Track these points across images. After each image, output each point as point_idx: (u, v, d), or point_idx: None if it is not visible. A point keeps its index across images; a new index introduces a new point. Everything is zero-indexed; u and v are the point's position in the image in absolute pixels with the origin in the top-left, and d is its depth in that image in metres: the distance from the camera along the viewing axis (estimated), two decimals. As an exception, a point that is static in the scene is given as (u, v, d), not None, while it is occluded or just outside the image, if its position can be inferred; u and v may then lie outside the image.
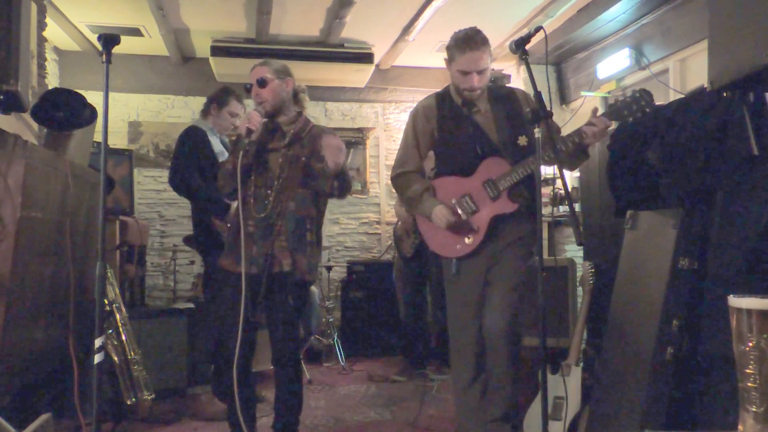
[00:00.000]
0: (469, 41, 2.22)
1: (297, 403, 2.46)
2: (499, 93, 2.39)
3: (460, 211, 2.32)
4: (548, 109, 1.91)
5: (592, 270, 2.74)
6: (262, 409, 3.02)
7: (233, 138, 2.57)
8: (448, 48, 2.32)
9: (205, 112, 3.36)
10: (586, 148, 2.19)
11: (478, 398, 2.35)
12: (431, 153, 2.51)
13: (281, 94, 2.42)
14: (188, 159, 3.15)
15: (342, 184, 2.45)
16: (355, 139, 5.85)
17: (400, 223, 4.26)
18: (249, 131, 2.30)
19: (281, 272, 2.35)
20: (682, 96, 2.37)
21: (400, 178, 2.47)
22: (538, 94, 1.87)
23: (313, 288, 4.78)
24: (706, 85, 1.96)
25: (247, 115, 2.36)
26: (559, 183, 3.64)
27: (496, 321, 2.28)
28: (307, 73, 5.27)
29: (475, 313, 2.35)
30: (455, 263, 2.35)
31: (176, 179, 3.18)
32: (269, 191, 2.36)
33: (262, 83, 2.38)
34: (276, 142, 2.42)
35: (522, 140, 2.26)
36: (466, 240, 2.33)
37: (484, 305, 2.34)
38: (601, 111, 2.15)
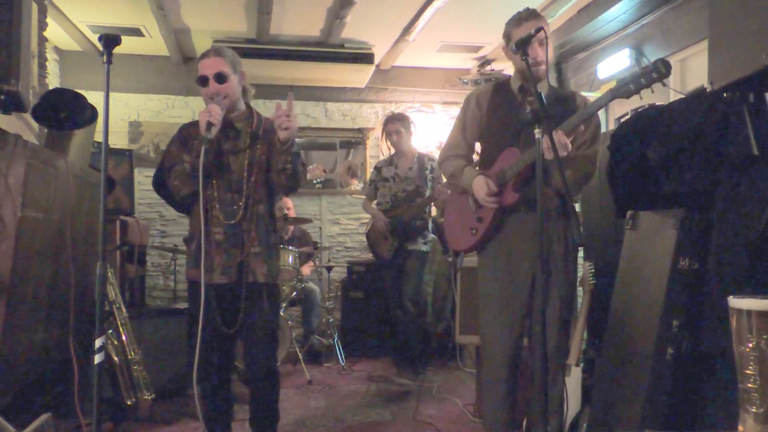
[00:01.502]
0: (523, 15, 2.18)
1: (274, 418, 2.40)
2: (559, 92, 2.31)
3: (471, 203, 2.28)
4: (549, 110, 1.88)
5: (593, 270, 2.73)
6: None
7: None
8: (505, 33, 2.24)
9: None
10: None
11: (510, 412, 2.24)
12: None
13: (238, 90, 2.27)
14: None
15: (293, 172, 2.22)
16: (356, 139, 5.86)
17: (373, 225, 4.14)
18: (210, 125, 2.10)
19: (256, 282, 2.26)
20: (683, 96, 2.36)
21: (444, 162, 2.40)
22: (538, 94, 1.87)
23: (314, 287, 4.78)
24: (706, 86, 1.96)
25: (207, 108, 2.15)
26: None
27: (552, 341, 2.12)
28: (307, 73, 5.29)
29: (516, 327, 2.21)
30: (461, 257, 2.28)
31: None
32: (237, 196, 2.24)
33: (221, 79, 2.20)
34: (232, 142, 2.28)
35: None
36: (472, 232, 2.26)
37: (533, 319, 2.19)
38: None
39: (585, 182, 2.34)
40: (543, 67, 2.13)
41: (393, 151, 4.13)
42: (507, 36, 2.24)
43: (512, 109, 2.26)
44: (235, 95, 2.27)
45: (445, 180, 2.48)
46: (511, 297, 2.21)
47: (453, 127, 2.44)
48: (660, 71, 1.77)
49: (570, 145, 2.02)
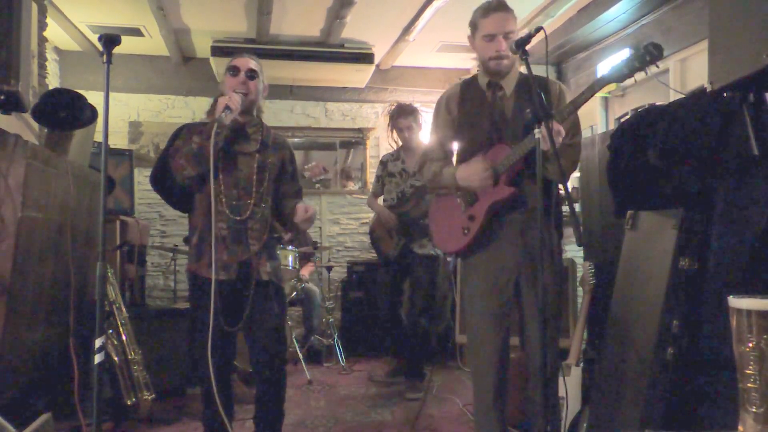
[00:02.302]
0: (492, 5, 2.15)
1: (279, 417, 2.40)
2: (530, 79, 2.19)
3: (459, 202, 2.24)
4: (549, 108, 1.88)
5: (593, 270, 2.74)
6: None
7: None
8: (471, 21, 2.21)
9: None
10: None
11: (501, 415, 2.21)
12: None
13: (259, 94, 2.34)
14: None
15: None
16: (356, 139, 5.86)
17: (377, 222, 3.94)
18: (227, 108, 2.15)
19: (260, 281, 2.26)
20: (683, 96, 2.37)
21: (423, 168, 2.37)
22: (538, 94, 1.86)
23: (314, 288, 4.78)
24: (706, 85, 1.96)
25: (228, 94, 2.23)
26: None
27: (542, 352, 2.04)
28: (307, 73, 5.29)
29: (501, 326, 2.18)
30: (453, 259, 2.24)
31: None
32: (243, 193, 2.25)
33: (252, 76, 2.29)
34: (242, 144, 2.31)
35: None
36: (464, 231, 2.20)
37: (525, 327, 2.18)
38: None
39: (573, 170, 2.33)
40: (506, 62, 2.15)
41: (400, 144, 3.93)
42: (473, 25, 2.20)
43: (483, 107, 2.22)
44: (256, 97, 2.32)
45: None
46: (497, 297, 2.18)
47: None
48: (652, 53, 1.78)
49: (563, 132, 1.98)
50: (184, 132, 2.30)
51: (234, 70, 2.29)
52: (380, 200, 4.00)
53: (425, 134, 3.97)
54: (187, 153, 2.18)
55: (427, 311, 3.79)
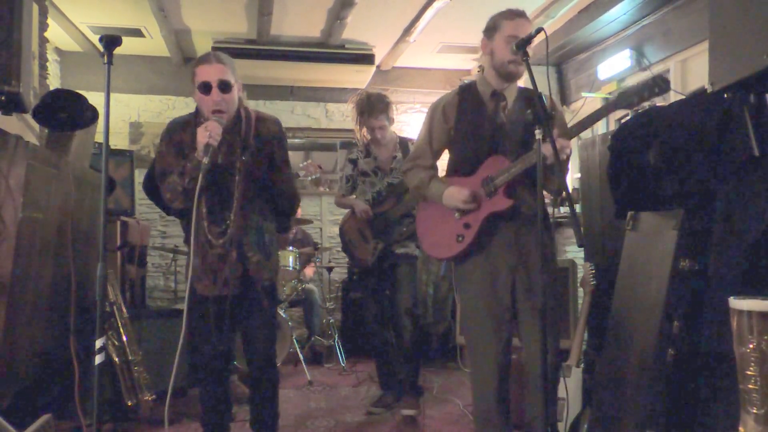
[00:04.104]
0: (516, 11, 2.16)
1: (275, 417, 2.38)
2: (529, 94, 2.22)
3: (453, 210, 2.23)
4: (550, 111, 1.90)
5: (593, 271, 2.73)
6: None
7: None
8: (491, 24, 2.19)
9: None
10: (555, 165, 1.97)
11: (506, 420, 2.19)
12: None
13: (237, 102, 2.13)
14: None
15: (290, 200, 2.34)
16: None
17: (349, 222, 3.45)
18: (209, 148, 1.95)
19: (261, 287, 2.24)
20: (683, 97, 2.37)
21: (409, 172, 2.36)
22: (539, 95, 1.87)
23: (314, 288, 4.78)
24: (706, 86, 1.96)
25: (205, 126, 1.98)
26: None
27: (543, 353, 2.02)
28: (307, 74, 5.30)
29: (501, 331, 2.17)
30: (444, 265, 2.23)
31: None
32: (227, 213, 2.15)
33: (226, 87, 2.05)
34: (224, 156, 2.13)
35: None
36: (458, 239, 2.20)
37: (523, 332, 2.17)
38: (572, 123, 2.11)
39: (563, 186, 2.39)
40: (522, 66, 2.12)
41: (368, 139, 3.42)
42: (492, 27, 2.18)
43: (482, 117, 2.21)
44: (234, 108, 2.13)
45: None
46: (496, 302, 2.16)
47: (419, 136, 2.39)
48: (660, 86, 1.91)
49: (571, 148, 2.02)
50: (167, 143, 2.19)
51: (206, 88, 2.05)
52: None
53: (396, 126, 3.53)
54: (173, 190, 2.11)
55: (413, 312, 3.35)
